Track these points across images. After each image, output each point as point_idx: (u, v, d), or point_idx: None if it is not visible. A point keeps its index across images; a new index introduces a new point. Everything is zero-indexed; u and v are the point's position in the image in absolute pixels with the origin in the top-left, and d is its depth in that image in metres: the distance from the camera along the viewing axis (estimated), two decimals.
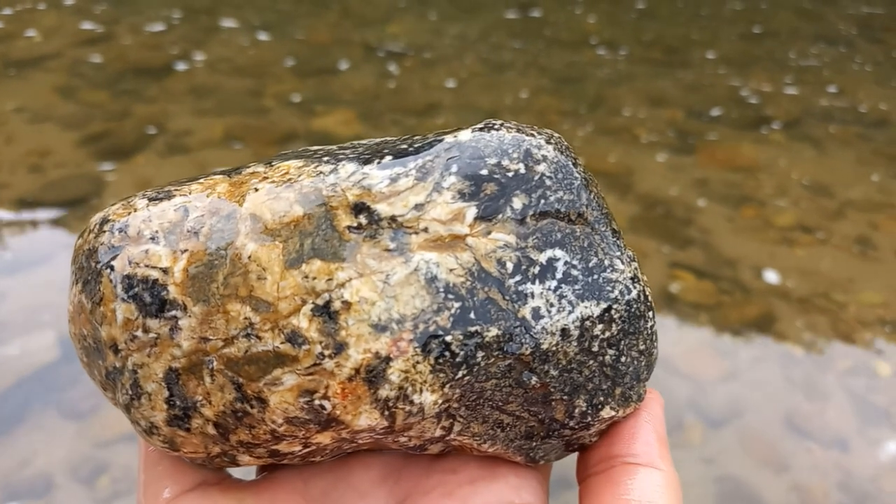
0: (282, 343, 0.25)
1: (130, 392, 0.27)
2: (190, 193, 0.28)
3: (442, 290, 0.26)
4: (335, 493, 0.31)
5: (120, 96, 1.98)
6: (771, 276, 1.44)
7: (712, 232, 1.56)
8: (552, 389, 0.28)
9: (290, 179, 0.28)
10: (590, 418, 0.29)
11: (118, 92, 2.01)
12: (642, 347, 0.29)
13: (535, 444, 0.30)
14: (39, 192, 1.57)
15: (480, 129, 0.29)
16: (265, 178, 0.28)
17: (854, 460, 1.08)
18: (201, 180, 0.29)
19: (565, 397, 0.28)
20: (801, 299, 1.39)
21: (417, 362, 0.25)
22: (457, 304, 0.26)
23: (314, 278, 0.25)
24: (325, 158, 0.29)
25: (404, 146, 0.29)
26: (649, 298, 0.30)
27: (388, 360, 0.25)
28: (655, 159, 1.82)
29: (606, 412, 0.29)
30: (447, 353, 0.26)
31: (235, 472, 0.32)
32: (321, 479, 0.32)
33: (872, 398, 1.19)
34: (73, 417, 1.07)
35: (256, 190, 0.27)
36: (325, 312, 0.25)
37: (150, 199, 0.28)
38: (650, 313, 0.29)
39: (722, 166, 1.81)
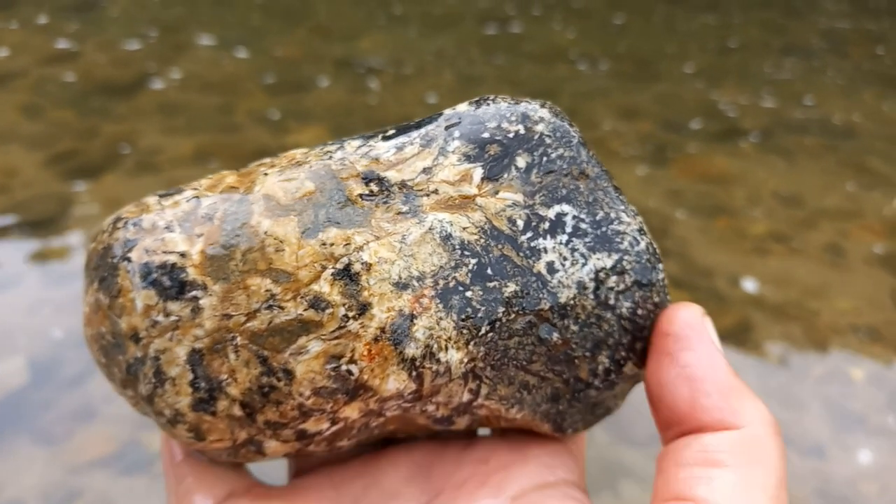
0: (305, 310, 0.25)
1: (154, 380, 0.26)
2: (200, 187, 0.28)
3: (458, 247, 0.26)
4: (367, 498, 0.30)
5: (87, 115, 1.95)
6: (746, 286, 1.46)
7: (687, 242, 1.58)
8: (574, 346, 0.28)
9: (298, 163, 0.28)
10: (614, 376, 0.29)
11: (85, 110, 1.98)
12: (657, 300, 0.29)
13: (561, 408, 0.30)
14: (5, 214, 1.54)
15: (476, 102, 0.30)
16: (273, 165, 0.29)
17: (831, 466, 1.09)
18: (209, 176, 0.29)
19: (587, 354, 0.29)
20: (775, 307, 1.41)
21: (441, 318, 0.26)
22: (473, 261, 0.26)
23: (332, 245, 0.25)
24: (330, 142, 0.30)
25: (405, 124, 0.30)
26: (657, 251, 0.30)
27: (411, 317, 0.25)
28: (631, 172, 1.84)
29: (629, 369, 0.29)
30: (469, 309, 0.26)
31: (266, 476, 0.32)
32: (352, 484, 0.31)
33: (847, 404, 1.20)
34: (44, 443, 1.04)
35: (266, 175, 0.28)
36: (346, 275, 0.25)
37: (162, 196, 0.28)
38: (660, 265, 0.30)
39: (696, 178, 1.83)
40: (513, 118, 0.29)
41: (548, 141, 0.29)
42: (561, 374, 0.29)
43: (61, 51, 2.35)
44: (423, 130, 0.29)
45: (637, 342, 0.29)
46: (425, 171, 0.28)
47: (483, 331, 0.26)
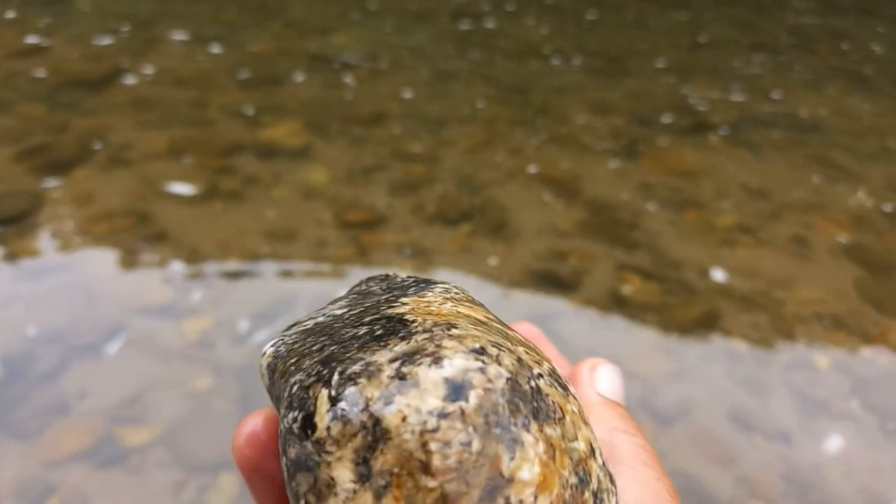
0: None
1: None
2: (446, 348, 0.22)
3: None
4: None
5: (58, 109, 1.93)
6: (714, 276, 1.49)
7: (657, 235, 1.60)
8: None
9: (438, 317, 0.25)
10: None
11: (56, 105, 1.95)
12: None
13: None
14: None
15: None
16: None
17: (797, 452, 1.12)
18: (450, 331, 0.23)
19: None
20: (742, 298, 1.44)
21: None
22: None
23: None
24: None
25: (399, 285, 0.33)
26: None
27: None
28: (603, 166, 1.86)
29: None
30: None
31: None
32: None
33: (812, 391, 1.24)
34: (19, 438, 1.03)
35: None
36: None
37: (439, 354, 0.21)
38: None
39: (667, 172, 1.86)
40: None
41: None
42: None
43: (31, 45, 2.32)
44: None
45: None
46: None
47: None
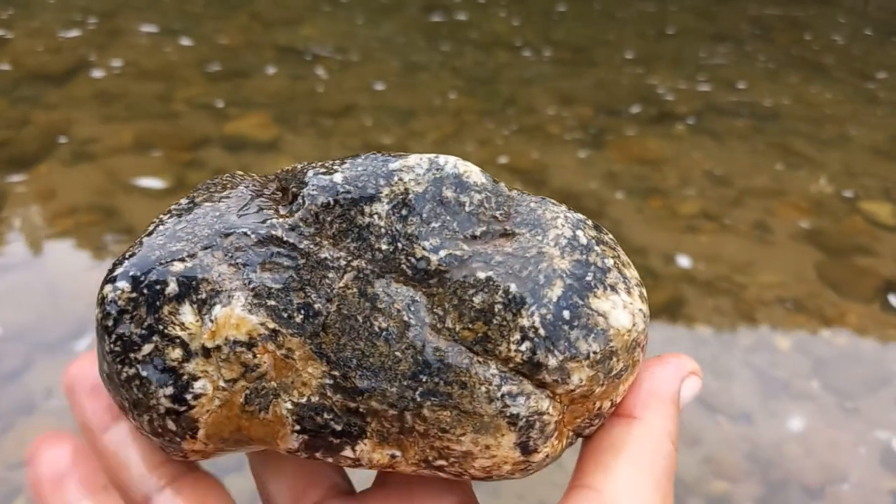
0: None
1: None
2: None
3: None
4: None
5: (20, 103, 1.90)
6: (679, 262, 1.52)
7: (623, 222, 1.63)
8: None
9: None
10: None
11: (18, 99, 1.92)
12: None
13: None
14: None
15: None
16: None
17: (759, 431, 1.15)
18: None
19: None
20: (706, 283, 1.46)
21: None
22: None
23: None
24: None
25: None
26: None
27: None
28: (571, 155, 1.88)
29: None
30: None
31: None
32: None
33: (773, 372, 1.27)
34: None
35: None
36: None
37: None
38: None
39: (632, 160, 1.89)
40: None
41: None
42: None
43: None
44: None
45: None
46: None
47: None
